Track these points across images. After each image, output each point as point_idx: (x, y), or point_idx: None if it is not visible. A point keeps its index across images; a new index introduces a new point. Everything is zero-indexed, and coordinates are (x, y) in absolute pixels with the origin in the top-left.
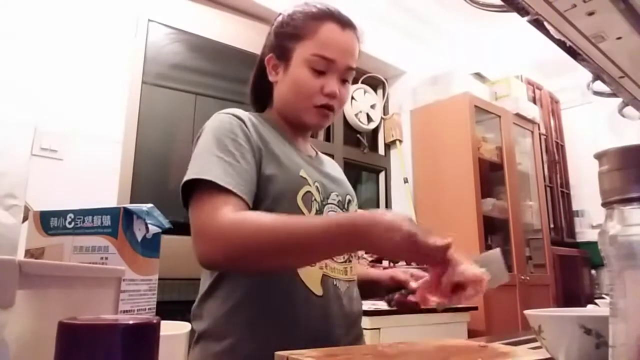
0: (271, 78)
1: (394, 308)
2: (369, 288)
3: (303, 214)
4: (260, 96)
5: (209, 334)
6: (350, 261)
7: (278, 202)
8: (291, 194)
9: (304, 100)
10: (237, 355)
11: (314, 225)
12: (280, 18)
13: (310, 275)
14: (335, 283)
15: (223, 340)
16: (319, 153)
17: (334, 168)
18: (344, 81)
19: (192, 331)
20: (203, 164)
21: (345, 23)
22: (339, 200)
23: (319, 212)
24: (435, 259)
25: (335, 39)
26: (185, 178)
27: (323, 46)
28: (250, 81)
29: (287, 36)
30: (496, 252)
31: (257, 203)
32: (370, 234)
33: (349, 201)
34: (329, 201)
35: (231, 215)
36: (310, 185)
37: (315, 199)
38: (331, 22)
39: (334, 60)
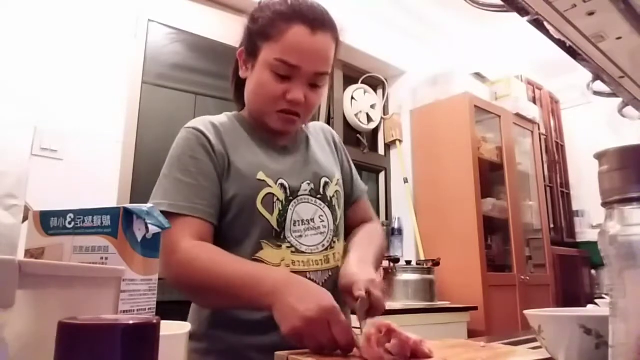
0: (241, 73)
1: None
2: None
3: (266, 219)
4: (239, 92)
5: (193, 334)
6: (332, 247)
7: (239, 210)
8: (250, 200)
9: (265, 105)
10: (214, 353)
11: (235, 277)
12: (254, 10)
13: None
14: (309, 276)
15: (203, 340)
16: (300, 131)
17: (317, 144)
18: (314, 86)
19: None
20: (164, 188)
21: (317, 25)
22: (312, 189)
23: (283, 211)
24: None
25: (302, 44)
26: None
27: (287, 51)
28: (230, 76)
29: (255, 33)
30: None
31: (222, 215)
32: (278, 296)
33: (326, 184)
34: (300, 194)
35: (183, 246)
36: (271, 186)
37: (278, 199)
38: (300, 24)
39: (298, 67)
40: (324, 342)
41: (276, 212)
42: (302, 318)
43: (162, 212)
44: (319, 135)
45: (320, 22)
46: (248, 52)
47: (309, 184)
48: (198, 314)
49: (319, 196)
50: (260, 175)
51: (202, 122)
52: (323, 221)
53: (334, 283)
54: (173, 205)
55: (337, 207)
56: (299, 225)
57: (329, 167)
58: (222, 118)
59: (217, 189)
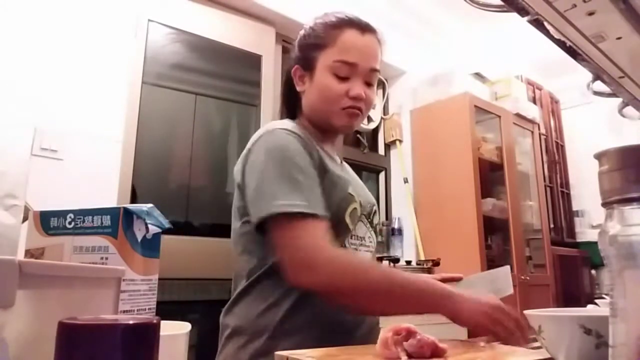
0: (299, 88)
1: None
2: None
3: (349, 229)
4: (290, 107)
5: (242, 331)
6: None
7: (330, 219)
8: (341, 211)
9: (331, 105)
10: (271, 351)
11: (411, 282)
12: (302, 32)
13: None
14: None
15: (258, 337)
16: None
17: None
18: (368, 84)
19: (222, 327)
20: (282, 190)
21: (364, 28)
22: (368, 211)
23: (355, 227)
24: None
25: (356, 44)
26: (274, 210)
27: (344, 52)
28: (280, 95)
29: (310, 47)
30: (505, 269)
31: None
32: (456, 298)
33: (375, 212)
34: (364, 212)
35: (335, 250)
36: (356, 201)
37: (356, 214)
38: (351, 28)
39: (356, 64)
40: (507, 324)
41: (352, 226)
42: (484, 312)
43: (291, 213)
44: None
45: (366, 25)
46: (304, 66)
47: (367, 207)
48: (248, 309)
49: (369, 220)
50: (350, 190)
51: (291, 126)
52: (371, 242)
53: None
54: (309, 205)
55: (378, 234)
56: (354, 239)
57: (372, 196)
58: (295, 127)
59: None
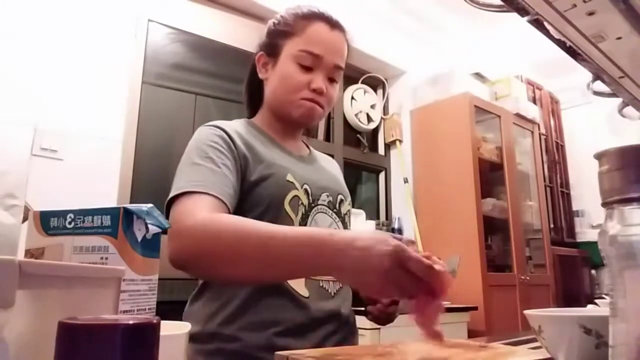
0: (261, 75)
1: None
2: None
3: (291, 219)
4: (253, 97)
5: (197, 335)
6: None
7: (265, 209)
8: (278, 199)
9: (291, 94)
10: (223, 354)
11: (280, 235)
12: (272, 20)
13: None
14: (322, 285)
15: (210, 341)
16: (313, 151)
17: (328, 166)
18: (332, 80)
19: None
20: (182, 176)
21: (333, 24)
22: (330, 201)
23: (305, 215)
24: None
25: (323, 37)
26: (170, 195)
27: (311, 42)
28: (245, 82)
29: (277, 34)
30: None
31: (245, 211)
32: (343, 251)
33: (341, 201)
34: (319, 202)
35: (202, 215)
36: (297, 189)
37: (302, 203)
38: (320, 21)
39: (320, 56)
40: (404, 282)
41: (299, 215)
42: (375, 266)
43: (179, 194)
44: (331, 163)
45: (336, 22)
46: (268, 53)
47: (328, 196)
48: (199, 312)
49: (334, 210)
50: (289, 177)
51: (222, 123)
52: None
53: (344, 295)
54: (191, 184)
55: (347, 224)
56: None
57: (343, 187)
58: (237, 123)
59: (236, 182)
